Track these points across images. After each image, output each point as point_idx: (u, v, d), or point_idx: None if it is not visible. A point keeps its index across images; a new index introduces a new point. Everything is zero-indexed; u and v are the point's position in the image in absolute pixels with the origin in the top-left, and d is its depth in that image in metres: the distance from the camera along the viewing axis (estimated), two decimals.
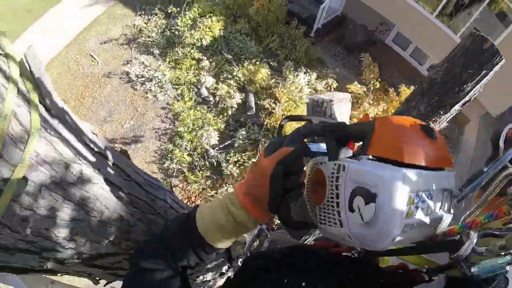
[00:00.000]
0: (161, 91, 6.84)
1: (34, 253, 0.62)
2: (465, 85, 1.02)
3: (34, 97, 0.60)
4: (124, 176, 0.83)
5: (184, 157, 5.85)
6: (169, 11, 7.18)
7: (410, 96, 1.22)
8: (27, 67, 0.63)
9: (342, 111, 1.49)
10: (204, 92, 6.53)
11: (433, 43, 7.75)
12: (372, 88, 6.84)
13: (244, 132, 6.09)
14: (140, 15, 8.00)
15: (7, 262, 0.60)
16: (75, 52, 7.80)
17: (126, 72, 7.25)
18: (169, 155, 5.99)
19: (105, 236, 0.73)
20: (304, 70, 6.70)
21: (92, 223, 0.70)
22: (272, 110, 6.10)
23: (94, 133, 0.83)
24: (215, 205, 0.59)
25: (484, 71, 0.98)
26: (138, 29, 7.74)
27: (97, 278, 0.90)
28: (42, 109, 0.63)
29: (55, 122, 0.66)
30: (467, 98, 1.05)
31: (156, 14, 7.56)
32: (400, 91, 6.53)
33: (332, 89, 7.02)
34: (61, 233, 0.64)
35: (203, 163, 5.88)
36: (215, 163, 5.85)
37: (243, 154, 5.88)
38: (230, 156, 5.86)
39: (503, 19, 7.00)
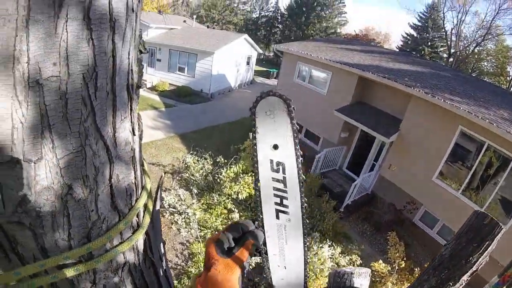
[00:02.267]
0: (186, 227, 7.72)
1: None
2: (470, 257, 1.19)
3: (150, 203, 0.89)
4: (167, 286, 1.07)
5: None
6: (218, 160, 8.82)
7: (424, 271, 1.39)
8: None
9: (362, 283, 1.71)
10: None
11: (461, 219, 8.11)
12: (397, 267, 7.09)
13: None
14: (191, 153, 9.78)
15: None
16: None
17: (161, 198, 8.47)
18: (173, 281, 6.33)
19: None
20: (329, 243, 7.22)
21: None
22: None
23: (163, 242, 1.12)
24: None
25: (487, 242, 1.16)
26: (186, 165, 9.38)
27: None
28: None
29: (151, 225, 0.92)
30: (474, 268, 1.21)
31: (205, 159, 9.20)
32: None
33: (356, 265, 7.40)
34: None
35: None
36: None
37: None
38: None
39: None
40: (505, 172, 7.90)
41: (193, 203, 8.17)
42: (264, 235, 0.72)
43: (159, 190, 1.26)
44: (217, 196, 8.19)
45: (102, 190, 0.71)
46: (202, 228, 7.63)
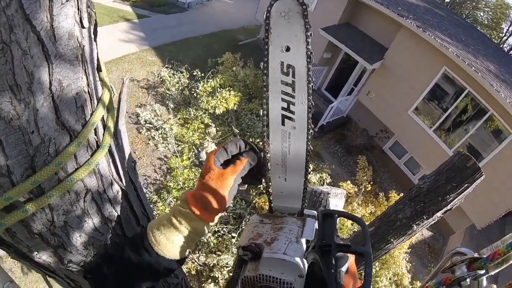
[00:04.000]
0: (163, 143, 7.72)
1: (51, 246, 0.70)
2: (447, 196, 1.23)
3: (110, 119, 0.74)
4: (142, 209, 0.99)
5: (165, 212, 6.48)
6: (194, 73, 8.40)
7: (399, 200, 1.45)
8: (113, 93, 0.78)
9: (337, 204, 1.76)
10: (203, 156, 7.40)
11: (428, 155, 8.82)
12: (363, 189, 7.65)
13: (231, 205, 6.81)
14: (167, 67, 9.19)
15: (21, 242, 0.66)
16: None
17: (137, 114, 8.18)
18: (151, 206, 6.65)
19: None
20: None
21: (109, 240, 0.82)
22: (264, 191, 6.88)
23: (133, 162, 1.01)
24: (165, 219, 0.71)
25: (465, 185, 1.19)
26: (161, 79, 8.91)
27: None
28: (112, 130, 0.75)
29: (114, 144, 0.79)
30: (448, 207, 1.26)
31: (181, 72, 8.75)
32: (390, 197, 7.21)
33: (325, 184, 7.89)
34: (82, 237, 0.74)
35: None
36: None
37: (225, 226, 6.47)
38: (211, 225, 6.49)
39: (498, 136, 7.95)
40: (478, 122, 8.16)
41: (169, 118, 8.04)
42: (269, 145, 0.71)
43: (120, 100, 1.04)
44: (194, 110, 8.04)
45: (42, 103, 0.52)
46: (179, 143, 7.64)
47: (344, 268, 0.74)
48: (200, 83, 8.22)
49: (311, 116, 0.67)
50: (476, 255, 0.88)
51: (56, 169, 0.57)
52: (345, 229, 6.21)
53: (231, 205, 6.69)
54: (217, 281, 5.63)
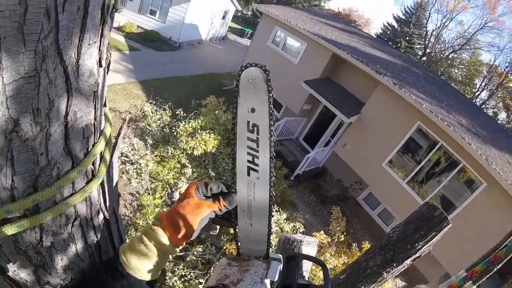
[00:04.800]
0: (137, 178, 7.52)
1: (32, 264, 0.71)
2: (416, 244, 1.29)
3: (107, 152, 0.79)
4: (119, 241, 1.02)
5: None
6: (177, 112, 8.50)
7: (370, 248, 1.50)
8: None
9: (309, 252, 1.82)
10: (176, 196, 7.25)
11: (401, 206, 8.98)
12: (336, 240, 7.60)
13: (200, 250, 6.53)
14: (151, 102, 9.25)
15: (3, 256, 0.67)
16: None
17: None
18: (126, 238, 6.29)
19: None
20: (276, 208, 7.59)
21: (87, 266, 0.83)
22: (234, 237, 6.73)
23: (118, 195, 1.05)
24: (136, 239, 0.72)
25: (433, 233, 1.26)
26: (143, 114, 8.94)
27: None
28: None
29: (106, 176, 0.82)
30: (417, 254, 1.31)
31: (164, 109, 8.82)
32: (363, 247, 7.28)
33: (299, 232, 7.83)
34: (63, 261, 0.75)
35: None
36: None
37: (192, 270, 6.19)
38: (178, 268, 6.16)
39: (470, 186, 8.21)
40: (450, 173, 8.54)
41: (146, 154, 7.94)
42: (236, 193, 0.78)
43: (119, 137, 1.11)
44: (172, 149, 8.00)
45: (55, 129, 0.57)
46: (153, 180, 7.49)
47: None
48: (181, 122, 8.27)
49: (273, 166, 0.75)
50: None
51: (56, 191, 0.61)
52: (317, 279, 6.10)
53: (201, 250, 6.49)
54: None
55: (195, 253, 6.36)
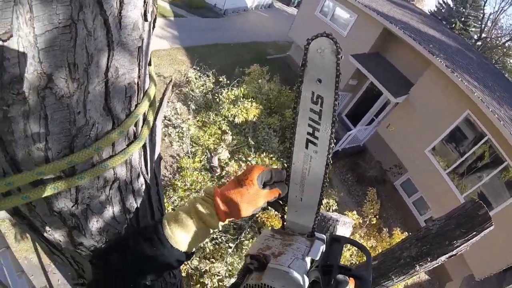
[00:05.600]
0: (178, 141, 7.79)
1: (67, 226, 0.69)
2: (455, 241, 1.23)
3: (151, 114, 0.74)
4: (158, 205, 1.00)
5: (168, 210, 6.50)
6: (220, 79, 8.52)
7: (406, 238, 1.46)
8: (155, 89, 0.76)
9: (344, 233, 1.77)
10: (215, 161, 7.44)
11: (438, 197, 8.59)
12: (368, 222, 7.49)
13: None
14: (195, 68, 9.37)
15: (38, 216, 0.65)
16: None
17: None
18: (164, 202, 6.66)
19: None
20: None
21: (123, 230, 0.81)
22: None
23: (160, 158, 1.01)
24: (184, 213, 0.71)
25: (474, 232, 1.20)
26: (187, 79, 9.08)
27: (85, 276, 0.97)
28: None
29: (148, 138, 0.79)
30: (454, 252, 1.26)
31: (208, 76, 8.89)
32: (394, 234, 7.04)
33: (332, 210, 7.77)
34: (99, 223, 0.73)
35: None
36: None
37: (224, 234, 6.42)
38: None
39: (511, 188, 7.68)
40: (493, 171, 7.94)
41: (188, 119, 8.13)
42: (291, 161, 0.78)
43: (163, 100, 1.06)
44: (213, 115, 8.10)
45: (95, 86, 0.51)
46: (194, 144, 7.70)
47: None
48: (224, 89, 8.32)
49: (333, 144, 0.72)
50: None
51: (94, 153, 0.57)
52: (343, 259, 6.08)
53: None
54: (206, 287, 5.56)
55: None
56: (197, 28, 13.91)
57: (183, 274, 5.72)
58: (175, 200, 6.52)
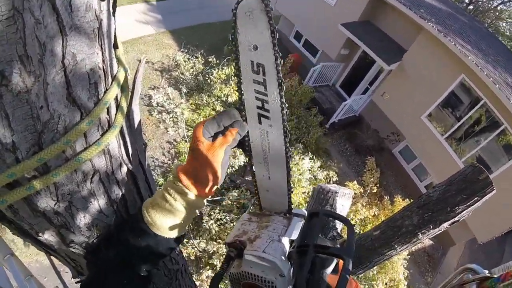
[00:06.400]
0: (173, 126, 7.75)
1: (53, 225, 0.68)
2: (456, 207, 1.21)
3: (124, 98, 0.71)
4: (149, 193, 0.98)
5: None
6: (210, 59, 8.35)
7: (408, 206, 1.44)
8: (128, 73, 0.73)
9: (344, 204, 1.75)
10: None
11: (437, 163, 8.71)
12: (369, 191, 7.59)
13: (235, 194, 6.76)
14: (183, 51, 9.16)
15: (23, 219, 0.64)
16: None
17: (149, 96, 8.21)
18: (156, 188, 6.69)
19: None
20: (310, 156, 7.50)
21: (113, 222, 0.80)
22: None
23: (144, 144, 0.98)
24: (159, 197, 0.67)
25: (476, 198, 1.18)
26: (176, 63, 8.90)
27: (83, 273, 0.96)
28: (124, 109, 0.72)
29: (126, 125, 0.77)
30: (456, 219, 1.25)
31: (197, 57, 8.71)
32: (395, 201, 7.18)
33: (332, 182, 7.83)
34: (86, 218, 0.72)
35: None
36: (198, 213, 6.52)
37: (228, 214, 6.51)
38: (214, 212, 6.49)
39: (508, 152, 7.79)
40: (490, 134, 7.97)
41: (181, 103, 8.04)
42: (249, 139, 0.73)
43: (136, 80, 1.00)
44: (206, 97, 8.02)
45: (53, 77, 0.48)
46: (189, 128, 7.65)
47: (329, 269, 0.75)
48: (214, 70, 8.18)
49: (286, 114, 0.67)
50: (487, 273, 0.86)
51: (64, 147, 0.55)
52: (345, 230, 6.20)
53: (236, 195, 6.74)
54: (215, 268, 5.68)
55: (231, 197, 6.61)
56: (181, 9, 13.49)
57: (192, 258, 5.84)
58: None
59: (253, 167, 0.78)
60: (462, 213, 1.23)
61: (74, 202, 0.67)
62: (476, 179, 1.18)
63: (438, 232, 1.34)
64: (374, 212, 7.00)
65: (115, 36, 0.66)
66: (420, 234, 1.34)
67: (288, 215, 0.83)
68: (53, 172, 0.56)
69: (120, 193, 0.81)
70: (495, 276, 0.82)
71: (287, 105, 0.68)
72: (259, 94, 0.65)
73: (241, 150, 0.77)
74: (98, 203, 0.74)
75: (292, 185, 0.80)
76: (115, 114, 0.69)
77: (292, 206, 0.83)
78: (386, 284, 5.96)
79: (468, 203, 1.20)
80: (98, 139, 0.63)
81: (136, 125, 0.90)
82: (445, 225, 1.28)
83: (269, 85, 0.63)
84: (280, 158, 0.73)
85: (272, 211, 0.86)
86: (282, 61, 0.63)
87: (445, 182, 1.30)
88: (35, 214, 0.64)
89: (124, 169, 0.80)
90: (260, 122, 0.69)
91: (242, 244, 0.72)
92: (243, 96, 0.67)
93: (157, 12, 12.47)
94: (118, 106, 0.70)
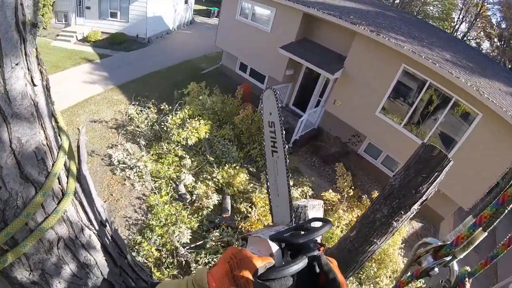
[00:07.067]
0: (139, 181, 7.55)
1: None
2: (420, 187, 1.26)
3: (73, 166, 0.76)
4: (118, 250, 1.01)
5: (152, 252, 6.03)
6: (162, 107, 8.39)
7: (375, 200, 1.48)
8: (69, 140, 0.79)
9: (316, 215, 1.81)
10: (182, 189, 7.32)
11: (402, 150, 9.03)
12: (346, 195, 7.75)
13: (217, 234, 6.57)
14: (133, 104, 9.15)
15: None
16: (65, 122, 8.88)
17: (109, 155, 8.00)
18: (136, 247, 6.10)
19: None
20: None
21: (88, 283, 0.84)
22: (248, 214, 6.76)
23: (102, 206, 1.03)
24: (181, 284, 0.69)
25: (435, 173, 1.22)
26: (129, 117, 8.84)
27: None
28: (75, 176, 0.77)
29: (80, 190, 0.82)
30: (424, 198, 1.29)
31: (149, 108, 8.72)
32: (373, 197, 7.31)
33: (308, 197, 7.90)
34: (61, 284, 0.75)
35: (171, 260, 6.06)
36: (183, 262, 6.07)
37: (215, 256, 6.30)
38: (201, 257, 6.24)
39: (466, 119, 8.21)
40: (445, 109, 8.51)
41: (142, 156, 7.91)
42: (267, 172, 1.25)
43: (79, 147, 1.07)
44: (166, 144, 7.98)
45: (5, 160, 0.56)
46: (156, 179, 7.52)
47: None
48: (168, 116, 8.22)
49: (286, 146, 1.18)
50: (440, 243, 0.92)
51: (26, 220, 0.61)
52: (335, 237, 6.26)
53: (218, 234, 6.61)
54: None
55: (213, 238, 6.44)
56: (125, 63, 13.64)
57: None
58: (156, 240, 6.29)
59: (268, 189, 1.24)
60: (428, 191, 1.28)
61: (46, 269, 0.72)
62: (430, 157, 1.24)
63: (411, 215, 1.39)
64: (357, 214, 7.13)
65: (53, 110, 0.74)
66: (394, 222, 1.40)
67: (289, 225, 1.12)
68: (21, 244, 0.62)
69: (89, 255, 0.86)
70: (448, 243, 0.88)
71: (284, 140, 1.20)
72: (272, 138, 1.17)
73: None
74: (69, 267, 0.78)
75: (292, 198, 1.20)
76: (67, 183, 0.76)
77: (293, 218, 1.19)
78: (390, 277, 6.02)
79: (430, 181, 1.25)
80: (55, 207, 0.70)
81: (90, 188, 0.96)
82: (415, 207, 1.33)
83: (277, 133, 1.16)
84: (283, 177, 1.16)
85: (279, 224, 1.17)
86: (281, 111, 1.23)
87: (403, 168, 1.36)
88: (13, 286, 0.68)
89: (87, 231, 0.85)
90: (272, 156, 1.19)
91: (244, 238, 0.94)
92: (264, 140, 1.22)
93: (102, 70, 12.52)
94: (69, 172, 0.76)
